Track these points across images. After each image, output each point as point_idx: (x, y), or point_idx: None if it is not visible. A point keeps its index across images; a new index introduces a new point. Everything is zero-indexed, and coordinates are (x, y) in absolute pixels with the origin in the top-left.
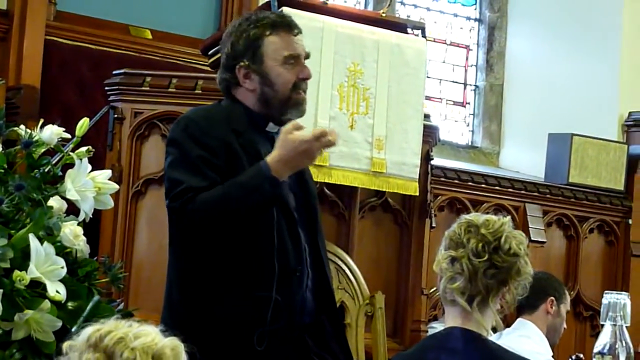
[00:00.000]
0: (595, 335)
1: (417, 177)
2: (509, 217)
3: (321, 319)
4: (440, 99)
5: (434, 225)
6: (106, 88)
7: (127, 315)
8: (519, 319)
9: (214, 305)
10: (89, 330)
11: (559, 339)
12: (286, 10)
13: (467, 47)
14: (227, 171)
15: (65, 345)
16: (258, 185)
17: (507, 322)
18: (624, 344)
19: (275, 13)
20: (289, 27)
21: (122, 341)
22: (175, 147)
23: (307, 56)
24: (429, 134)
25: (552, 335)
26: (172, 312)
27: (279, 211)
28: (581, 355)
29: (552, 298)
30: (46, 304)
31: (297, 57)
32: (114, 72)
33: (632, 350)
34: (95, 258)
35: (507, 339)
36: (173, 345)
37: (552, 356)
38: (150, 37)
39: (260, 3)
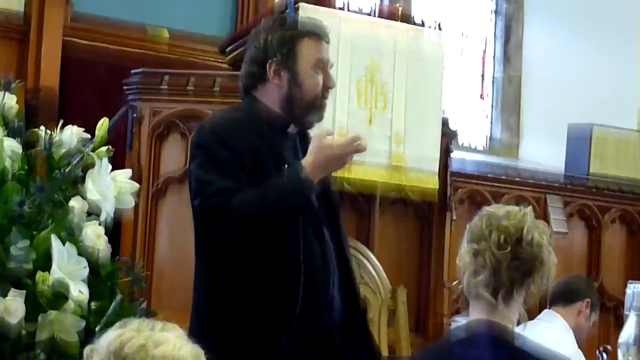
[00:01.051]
0: (620, 326)
1: (437, 170)
2: (530, 208)
3: (348, 316)
4: (458, 92)
5: (454, 218)
6: (124, 88)
7: (149, 314)
8: (547, 310)
9: (242, 306)
10: (110, 335)
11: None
12: (303, 5)
13: (485, 40)
14: (254, 174)
15: (87, 349)
16: (296, 190)
17: (531, 314)
18: None
19: (310, 18)
20: (323, 35)
21: (142, 349)
22: (203, 150)
23: (331, 66)
24: (448, 127)
25: (580, 332)
26: (199, 314)
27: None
28: (609, 347)
29: (589, 300)
30: (69, 305)
31: (326, 63)
32: (132, 72)
33: None
34: (117, 258)
35: (532, 330)
36: (194, 353)
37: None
38: (167, 36)
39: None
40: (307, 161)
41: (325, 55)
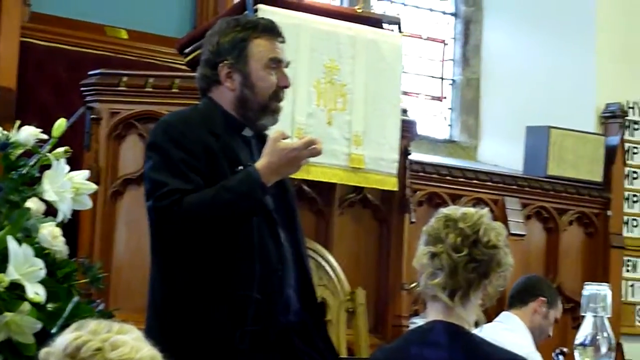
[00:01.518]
0: (577, 327)
1: (396, 172)
2: (486, 209)
3: (305, 317)
4: (417, 93)
5: (413, 220)
6: (82, 89)
7: (107, 315)
8: (504, 312)
9: (197, 306)
10: (66, 338)
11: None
12: (261, 7)
13: (443, 42)
14: (208, 175)
15: (43, 352)
16: (249, 191)
17: (488, 316)
18: (605, 335)
19: (263, 18)
20: (276, 33)
21: (98, 352)
22: (156, 150)
23: (287, 65)
24: (407, 129)
25: (536, 335)
26: (156, 314)
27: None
28: (565, 349)
29: (543, 299)
30: (26, 306)
31: (279, 62)
32: (90, 73)
33: (613, 342)
34: (75, 259)
35: (489, 331)
36: (152, 355)
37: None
38: (126, 36)
39: (236, 1)
40: (261, 163)
41: (279, 54)
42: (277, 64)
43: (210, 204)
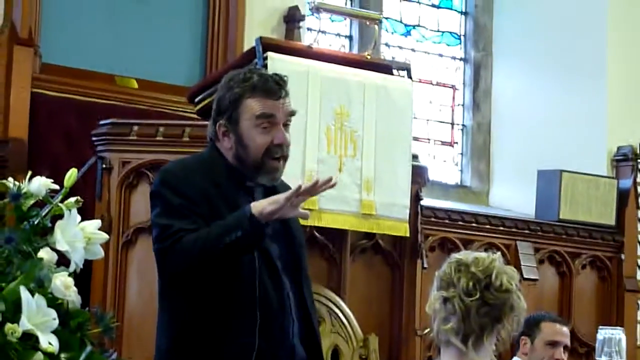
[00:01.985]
0: None
1: (408, 217)
2: (498, 254)
3: None
4: (427, 139)
5: (425, 265)
6: (93, 138)
7: None
8: (515, 357)
9: (200, 352)
10: None
11: None
12: (271, 55)
13: (453, 87)
14: (209, 219)
15: None
16: (238, 224)
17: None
18: None
19: (262, 75)
20: (269, 92)
21: None
22: (157, 199)
23: (292, 114)
24: (418, 174)
25: None
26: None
27: (261, 260)
28: None
29: (523, 337)
30: (39, 356)
31: (270, 118)
32: (101, 122)
33: None
34: (87, 308)
35: None
36: None
37: None
38: (136, 86)
39: (246, 49)
40: (256, 202)
41: (269, 108)
42: (267, 120)
43: (202, 238)
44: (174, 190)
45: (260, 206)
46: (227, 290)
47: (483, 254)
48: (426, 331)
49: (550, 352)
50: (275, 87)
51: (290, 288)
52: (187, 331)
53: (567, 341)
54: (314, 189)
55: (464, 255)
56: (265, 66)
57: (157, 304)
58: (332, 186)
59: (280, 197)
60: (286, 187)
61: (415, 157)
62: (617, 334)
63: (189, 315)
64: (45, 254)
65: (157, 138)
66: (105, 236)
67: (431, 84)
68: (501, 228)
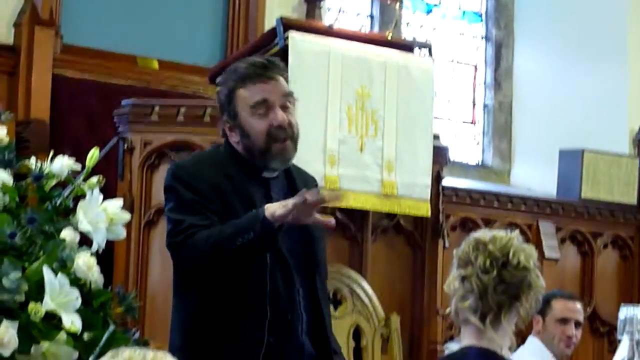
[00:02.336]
0: (613, 351)
1: (429, 197)
2: (517, 232)
3: None
4: (449, 118)
5: (447, 245)
6: (115, 119)
7: (142, 344)
8: (529, 337)
9: (211, 349)
10: None
11: (570, 350)
12: (292, 34)
13: (474, 66)
14: (224, 214)
15: None
16: (250, 225)
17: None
18: None
19: (249, 63)
20: (257, 76)
21: None
22: (170, 193)
23: (288, 94)
24: (439, 154)
25: (555, 347)
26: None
27: (272, 255)
28: None
29: (536, 316)
30: (62, 336)
31: (264, 103)
32: (122, 103)
33: None
34: (109, 288)
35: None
36: None
37: None
38: (157, 67)
39: (267, 29)
40: (269, 207)
41: (261, 94)
42: (263, 106)
43: (215, 237)
44: (187, 185)
45: (272, 208)
46: (237, 286)
47: (501, 233)
48: (448, 310)
49: (561, 329)
50: (262, 70)
51: (301, 284)
52: (198, 328)
53: (579, 317)
54: (320, 202)
55: (482, 234)
56: (286, 46)
57: (172, 301)
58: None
59: (289, 201)
60: (306, 179)
61: (436, 136)
62: (639, 312)
63: (200, 311)
64: (67, 234)
65: (179, 118)
66: (128, 216)
67: (452, 62)
68: (522, 207)
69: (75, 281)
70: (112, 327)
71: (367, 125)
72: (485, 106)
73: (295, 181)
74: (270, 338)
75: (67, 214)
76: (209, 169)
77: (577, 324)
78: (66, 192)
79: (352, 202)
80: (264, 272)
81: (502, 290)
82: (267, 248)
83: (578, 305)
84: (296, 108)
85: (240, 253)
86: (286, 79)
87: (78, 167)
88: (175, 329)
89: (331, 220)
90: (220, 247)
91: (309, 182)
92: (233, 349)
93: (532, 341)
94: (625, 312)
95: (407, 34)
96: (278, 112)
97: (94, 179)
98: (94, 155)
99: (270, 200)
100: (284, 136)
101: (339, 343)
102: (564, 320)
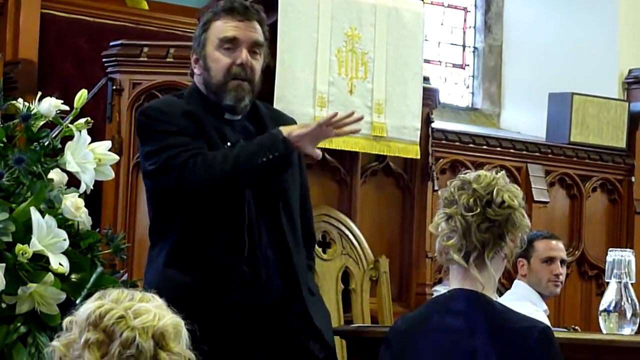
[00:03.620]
0: (601, 294)
1: (418, 140)
2: (502, 172)
3: (288, 300)
4: (439, 61)
5: (436, 188)
6: (103, 60)
7: (130, 286)
8: (515, 281)
9: (188, 271)
10: (89, 306)
11: (558, 288)
12: None
13: (464, 9)
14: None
15: (67, 320)
16: (272, 144)
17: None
18: (629, 301)
19: (234, 0)
20: (235, 13)
21: (122, 320)
22: (147, 132)
23: (258, 44)
24: (429, 97)
25: (543, 288)
26: (153, 274)
27: (249, 190)
28: (577, 328)
29: (520, 259)
30: (49, 277)
31: (233, 40)
32: (111, 44)
33: (637, 307)
34: (98, 230)
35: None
36: (174, 323)
37: (547, 315)
38: (146, 7)
39: None
40: (285, 127)
41: (230, 32)
42: (230, 43)
43: (236, 155)
44: (164, 122)
45: (288, 129)
46: (216, 213)
47: (486, 172)
48: (436, 253)
49: (549, 269)
50: (241, 8)
51: (273, 220)
52: (178, 248)
53: (564, 255)
54: (345, 122)
55: (468, 174)
56: None
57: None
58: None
59: (309, 124)
60: (284, 120)
61: (426, 79)
62: (627, 255)
63: (181, 231)
64: (55, 175)
65: (168, 59)
66: (116, 157)
67: (442, 5)
68: (512, 150)
69: (63, 222)
70: (100, 269)
71: (357, 67)
72: (475, 49)
73: (265, 124)
74: (245, 268)
75: (55, 154)
76: (178, 106)
77: (562, 262)
78: (54, 133)
79: (342, 144)
80: (242, 204)
81: (485, 229)
82: (286, 168)
83: (560, 244)
84: (262, 63)
85: (263, 171)
86: (264, 32)
87: (66, 108)
88: (156, 246)
89: (319, 153)
90: (241, 165)
91: (288, 122)
92: (209, 272)
93: (519, 284)
94: (613, 255)
95: None
96: (243, 52)
97: (82, 120)
98: (82, 96)
99: (226, 143)
100: (243, 76)
101: (316, 283)
102: (549, 260)
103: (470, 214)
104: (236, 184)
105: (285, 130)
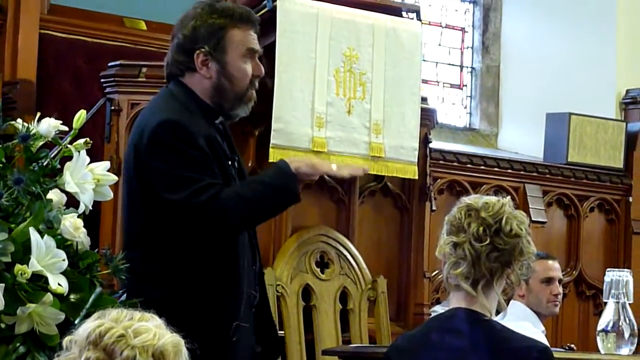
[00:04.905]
0: (599, 314)
1: (416, 160)
2: (508, 198)
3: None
4: (437, 81)
5: (434, 208)
6: (102, 80)
7: (129, 306)
8: (511, 301)
9: (197, 302)
10: (89, 325)
11: (557, 307)
12: None
13: (462, 29)
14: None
15: (66, 339)
16: (284, 185)
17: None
18: (627, 321)
19: (239, 7)
20: (252, 24)
21: (122, 339)
22: (168, 149)
23: (260, 54)
24: (427, 117)
25: (544, 308)
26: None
27: None
28: (573, 346)
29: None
30: (48, 297)
31: (255, 53)
32: (110, 64)
33: (635, 327)
34: (96, 250)
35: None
36: (174, 342)
37: (545, 335)
38: (144, 28)
39: None
40: (293, 159)
41: (255, 44)
42: (252, 54)
43: (253, 199)
44: (188, 142)
45: (295, 164)
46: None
47: (493, 198)
48: (434, 273)
49: (548, 289)
50: (254, 18)
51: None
52: (182, 280)
53: (560, 275)
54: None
55: (474, 199)
56: (275, 7)
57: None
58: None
59: (322, 167)
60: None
61: (424, 99)
62: (625, 275)
63: (185, 263)
64: (54, 195)
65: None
66: (115, 178)
67: (440, 26)
68: (509, 171)
69: (62, 242)
70: (99, 289)
71: (355, 87)
72: (472, 69)
73: (227, 130)
74: (247, 290)
75: (54, 175)
76: (196, 122)
77: (559, 282)
78: (53, 154)
79: (340, 164)
80: (235, 248)
81: (494, 258)
82: (295, 203)
83: (556, 264)
84: None
85: (277, 211)
86: None
87: (65, 128)
88: (154, 280)
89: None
90: (260, 211)
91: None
92: (219, 301)
93: (516, 305)
94: (611, 275)
95: None
96: (261, 65)
97: (81, 141)
98: (81, 116)
99: (228, 160)
100: (255, 87)
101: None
102: (548, 280)
103: (480, 244)
104: (251, 225)
105: (292, 164)
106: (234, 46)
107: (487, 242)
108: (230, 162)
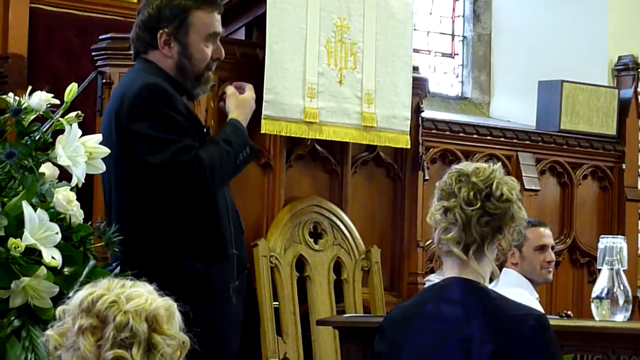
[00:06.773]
0: (593, 282)
1: (408, 130)
2: (499, 164)
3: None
4: (428, 51)
5: (427, 177)
6: (93, 53)
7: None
8: (504, 269)
9: (197, 265)
10: (81, 294)
11: (551, 274)
12: None
13: None
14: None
15: (59, 310)
16: (245, 141)
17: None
18: (622, 288)
19: None
20: (217, 5)
21: (114, 305)
22: (150, 112)
23: (222, 36)
24: (419, 86)
25: (537, 275)
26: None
27: None
28: (570, 313)
29: (513, 250)
30: (42, 271)
31: (217, 36)
32: (101, 37)
33: (630, 293)
34: (90, 223)
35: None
36: (167, 305)
37: (539, 302)
38: (135, 0)
39: None
40: (236, 115)
41: (217, 27)
42: (214, 37)
43: (223, 158)
44: (170, 105)
45: (242, 118)
46: (207, 206)
47: (484, 164)
48: (428, 242)
49: (541, 256)
50: (220, 1)
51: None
52: (183, 245)
53: (553, 241)
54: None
55: (465, 165)
56: None
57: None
58: None
59: (252, 101)
60: None
61: (415, 68)
62: (619, 242)
63: (182, 227)
64: (46, 169)
65: None
66: (107, 150)
67: None
68: (502, 139)
69: (55, 216)
70: (92, 262)
71: (346, 57)
72: (464, 38)
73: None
74: (236, 251)
75: (46, 148)
76: (177, 95)
77: (552, 248)
78: (45, 127)
79: (332, 135)
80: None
81: (485, 222)
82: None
83: (548, 230)
84: None
85: (242, 169)
86: None
87: (57, 101)
88: (151, 247)
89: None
90: (230, 167)
91: None
92: (218, 263)
93: (509, 272)
94: (605, 242)
95: None
96: (222, 48)
97: (73, 114)
98: (72, 89)
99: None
100: (213, 68)
101: None
102: (541, 248)
103: (470, 208)
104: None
105: (237, 117)
106: (197, 28)
107: (478, 206)
108: (205, 130)
